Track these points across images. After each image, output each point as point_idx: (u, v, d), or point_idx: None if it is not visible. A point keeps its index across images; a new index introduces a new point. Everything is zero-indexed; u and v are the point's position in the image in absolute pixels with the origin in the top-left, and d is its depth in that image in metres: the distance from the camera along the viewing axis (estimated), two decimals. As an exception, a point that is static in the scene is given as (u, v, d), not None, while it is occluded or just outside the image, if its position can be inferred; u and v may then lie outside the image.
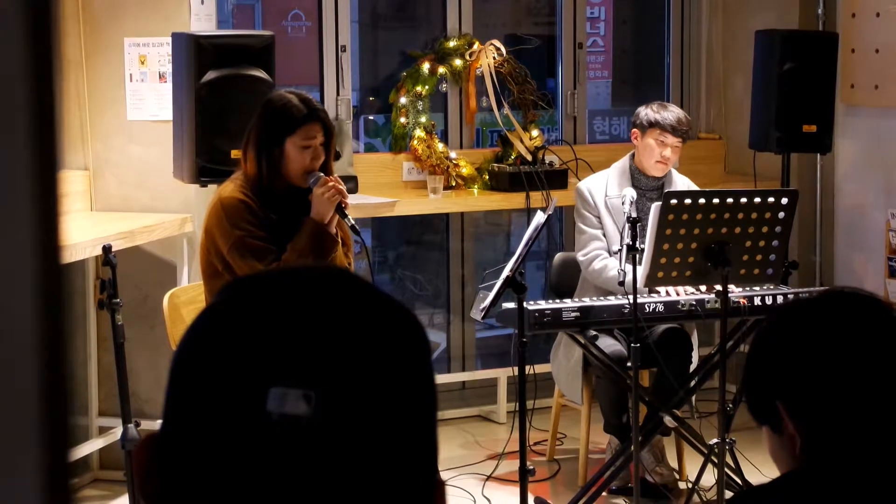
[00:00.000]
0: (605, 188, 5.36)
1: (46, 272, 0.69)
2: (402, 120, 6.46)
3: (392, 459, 1.02)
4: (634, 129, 5.38)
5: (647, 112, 5.35)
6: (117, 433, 4.79)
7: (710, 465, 4.93)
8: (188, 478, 1.02)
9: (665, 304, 5.06)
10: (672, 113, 5.33)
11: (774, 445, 1.92)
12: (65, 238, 0.71)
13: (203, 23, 5.54)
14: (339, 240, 4.30)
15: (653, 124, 5.30)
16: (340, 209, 4.23)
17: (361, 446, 1.00)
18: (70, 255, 4.64)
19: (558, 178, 6.39)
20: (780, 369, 1.90)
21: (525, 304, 4.64)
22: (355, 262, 4.76)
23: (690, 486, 5.19)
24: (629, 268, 4.65)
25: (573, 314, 4.90)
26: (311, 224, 4.20)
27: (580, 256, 5.37)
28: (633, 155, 5.42)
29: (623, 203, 5.01)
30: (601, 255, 5.31)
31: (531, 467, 4.67)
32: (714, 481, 4.95)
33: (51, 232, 0.68)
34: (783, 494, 1.88)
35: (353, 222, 4.28)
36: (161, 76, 5.52)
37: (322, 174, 4.24)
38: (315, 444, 0.99)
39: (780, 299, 5.13)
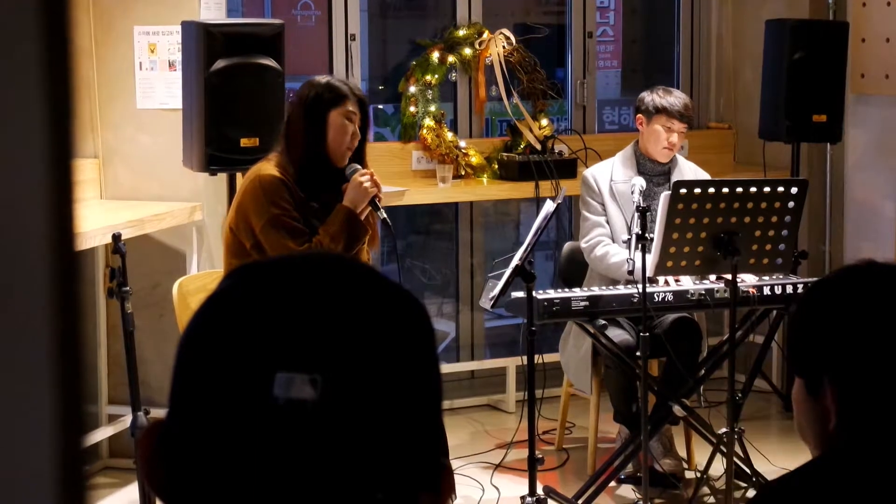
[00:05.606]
0: (611, 174, 5.36)
1: (60, 259, 0.69)
2: (412, 109, 6.45)
3: (397, 444, 1.02)
4: (639, 115, 5.37)
5: (652, 98, 5.34)
6: (127, 421, 4.79)
7: (718, 455, 4.93)
8: (194, 463, 1.02)
9: (674, 293, 5.05)
10: (678, 99, 5.33)
11: (805, 402, 1.85)
12: (79, 226, 0.71)
13: (213, 11, 5.54)
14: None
15: (659, 110, 5.29)
16: (373, 202, 4.28)
17: (366, 430, 1.01)
18: (80, 243, 4.64)
19: (567, 168, 6.38)
20: (835, 348, 1.82)
21: (534, 293, 4.64)
22: (385, 266, 4.78)
23: (699, 475, 5.19)
24: (638, 257, 4.65)
25: (582, 303, 4.90)
26: (344, 210, 4.24)
27: (583, 243, 5.38)
28: (636, 141, 5.42)
29: (633, 192, 5.00)
30: (604, 241, 5.30)
31: (540, 456, 4.67)
32: (723, 470, 4.96)
33: (65, 220, 0.68)
34: (818, 483, 1.80)
35: (385, 216, 4.30)
36: (171, 65, 5.52)
37: (359, 166, 4.29)
38: (320, 429, 0.99)
39: (789, 289, 5.13)
